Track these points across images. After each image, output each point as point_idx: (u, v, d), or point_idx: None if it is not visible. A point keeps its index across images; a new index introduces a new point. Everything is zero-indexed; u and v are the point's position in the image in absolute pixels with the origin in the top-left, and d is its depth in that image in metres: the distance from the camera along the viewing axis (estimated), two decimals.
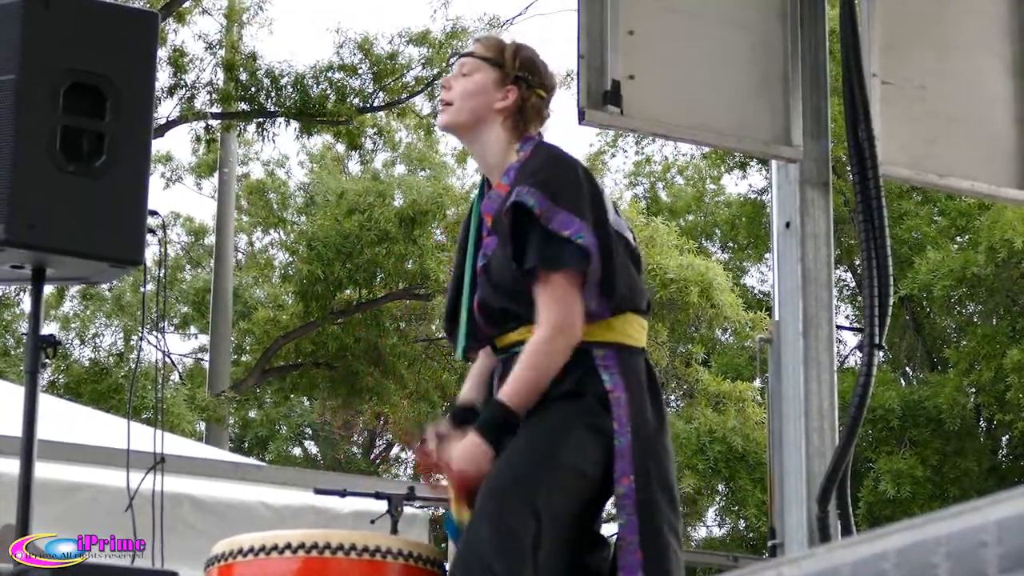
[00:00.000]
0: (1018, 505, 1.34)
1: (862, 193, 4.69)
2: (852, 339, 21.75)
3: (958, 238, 20.38)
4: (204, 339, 21.40)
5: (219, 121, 17.08)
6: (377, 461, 24.34)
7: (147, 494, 4.49)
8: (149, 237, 4.38)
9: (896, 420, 18.40)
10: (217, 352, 18.38)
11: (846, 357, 21.40)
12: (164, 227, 4.87)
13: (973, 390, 19.50)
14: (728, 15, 4.83)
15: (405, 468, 24.73)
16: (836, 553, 1.49)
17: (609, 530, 3.49)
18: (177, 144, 30.36)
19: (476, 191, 3.63)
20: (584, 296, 3.29)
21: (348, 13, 35.71)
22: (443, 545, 5.97)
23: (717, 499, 20.55)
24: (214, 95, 16.59)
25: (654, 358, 16.84)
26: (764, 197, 21.59)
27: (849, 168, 4.91)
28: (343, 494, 5.64)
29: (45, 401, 5.09)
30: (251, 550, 3.28)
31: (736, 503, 19.57)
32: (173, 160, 21.22)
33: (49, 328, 13.21)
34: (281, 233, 22.91)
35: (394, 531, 5.27)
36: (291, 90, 16.26)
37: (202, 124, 16.75)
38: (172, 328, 22.29)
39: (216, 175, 19.90)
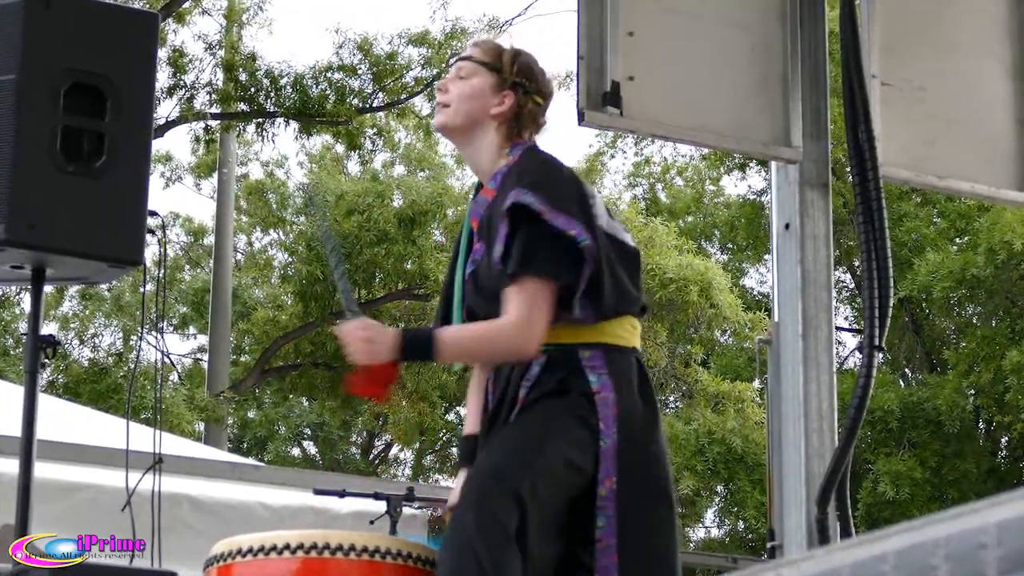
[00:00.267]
0: (1017, 507, 1.34)
1: (862, 194, 4.69)
2: (852, 340, 21.77)
3: (957, 240, 20.35)
4: (203, 339, 21.40)
5: (218, 121, 17.07)
6: (376, 462, 24.33)
7: (146, 494, 4.48)
8: (148, 237, 4.37)
9: (895, 422, 18.38)
10: (216, 352, 18.38)
11: (845, 358, 21.41)
12: (164, 227, 4.86)
13: (972, 392, 19.47)
14: (728, 16, 4.83)
15: (404, 469, 24.76)
16: (835, 555, 1.49)
17: None
18: (177, 144, 30.45)
19: (472, 195, 3.61)
20: (576, 299, 3.26)
21: (347, 13, 35.78)
22: None
23: (716, 500, 20.52)
24: (214, 95, 16.59)
25: (653, 359, 16.87)
26: (763, 198, 21.57)
27: (849, 169, 4.91)
28: (342, 495, 5.64)
29: (44, 401, 5.09)
30: (250, 550, 3.27)
31: (735, 504, 19.55)
32: (173, 160, 21.22)
33: (48, 328, 13.21)
34: (280, 233, 22.91)
35: (393, 532, 5.27)
36: (290, 90, 16.25)
37: (202, 124, 16.74)
38: (171, 328, 22.28)
39: (215, 175, 19.89)
